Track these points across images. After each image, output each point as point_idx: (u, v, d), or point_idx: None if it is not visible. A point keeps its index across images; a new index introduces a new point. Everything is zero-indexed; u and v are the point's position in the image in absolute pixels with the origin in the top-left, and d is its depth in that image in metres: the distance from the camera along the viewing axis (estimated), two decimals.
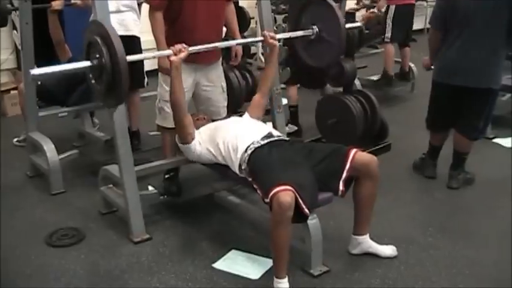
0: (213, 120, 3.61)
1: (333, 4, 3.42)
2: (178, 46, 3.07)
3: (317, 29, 3.45)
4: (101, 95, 2.85)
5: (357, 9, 8.14)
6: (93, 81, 2.82)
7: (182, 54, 3.07)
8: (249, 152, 3.00)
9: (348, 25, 3.56)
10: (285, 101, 4.49)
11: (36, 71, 2.70)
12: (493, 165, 4.55)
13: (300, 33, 3.49)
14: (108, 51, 2.64)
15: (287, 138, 3.26)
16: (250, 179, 2.97)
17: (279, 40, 3.81)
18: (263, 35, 3.43)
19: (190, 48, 3.13)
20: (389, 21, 6.28)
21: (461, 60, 3.87)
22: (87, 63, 2.75)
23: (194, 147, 3.28)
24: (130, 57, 2.79)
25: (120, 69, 2.62)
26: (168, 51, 3.10)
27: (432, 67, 4.22)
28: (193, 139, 3.25)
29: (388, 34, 6.30)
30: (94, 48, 2.71)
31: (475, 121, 4.02)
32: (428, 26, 4.52)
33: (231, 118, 3.55)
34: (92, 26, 2.86)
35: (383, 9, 6.49)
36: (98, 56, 2.68)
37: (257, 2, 3.88)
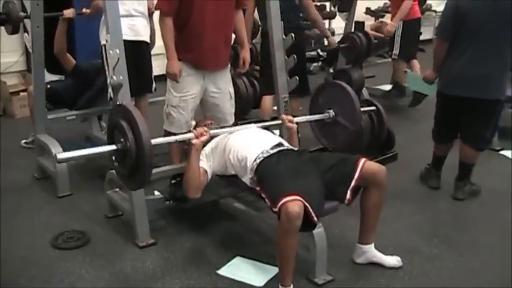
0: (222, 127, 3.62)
1: (349, 89, 3.45)
2: (200, 130, 3.07)
3: (333, 113, 3.48)
4: (123, 178, 2.83)
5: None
6: (116, 164, 2.78)
7: (204, 138, 3.06)
8: (257, 161, 3.00)
9: (363, 109, 3.61)
10: None
11: (62, 155, 2.65)
12: (500, 177, 4.54)
13: (316, 117, 3.53)
14: (133, 136, 2.60)
15: (296, 148, 3.26)
16: (258, 188, 2.97)
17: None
18: (281, 119, 3.43)
19: (212, 132, 3.15)
20: (397, 38, 6.20)
21: (471, 71, 3.87)
22: (112, 147, 2.71)
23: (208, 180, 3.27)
24: (155, 141, 2.76)
25: (144, 154, 2.56)
26: (190, 135, 3.08)
27: (436, 80, 4.22)
28: (207, 179, 3.24)
29: (396, 51, 6.25)
30: (119, 131, 2.67)
31: (482, 131, 4.02)
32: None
33: (242, 127, 3.54)
34: (117, 109, 2.85)
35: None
36: (122, 140, 2.65)
37: (266, 9, 3.89)
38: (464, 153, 4.13)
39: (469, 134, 4.07)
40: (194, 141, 3.05)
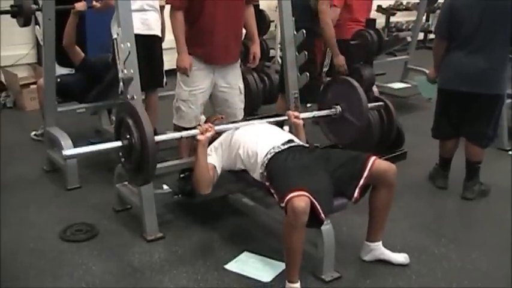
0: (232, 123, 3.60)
1: (356, 85, 3.45)
2: (205, 126, 3.09)
3: (340, 109, 3.48)
4: (129, 173, 2.90)
5: None
6: (123, 160, 2.87)
7: (209, 134, 3.06)
8: (268, 156, 3.00)
9: (371, 105, 3.61)
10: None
11: (69, 151, 2.76)
12: (509, 177, 4.51)
13: (323, 112, 3.54)
14: (138, 133, 2.68)
15: (306, 145, 3.26)
16: (267, 184, 2.97)
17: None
18: (287, 115, 3.42)
19: (217, 128, 3.15)
20: None
21: (469, 66, 3.91)
22: (118, 144, 2.80)
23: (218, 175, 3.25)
24: (159, 138, 2.87)
25: (148, 151, 2.65)
26: (195, 131, 3.09)
27: (437, 78, 4.26)
28: (216, 175, 3.21)
29: None
30: (125, 128, 2.76)
31: (484, 128, 4.03)
32: None
33: (250, 122, 3.53)
34: (123, 106, 2.92)
35: None
36: (128, 136, 2.73)
37: (278, 5, 3.88)
38: (468, 151, 4.14)
39: (471, 131, 4.08)
40: (199, 137, 3.05)
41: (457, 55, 3.97)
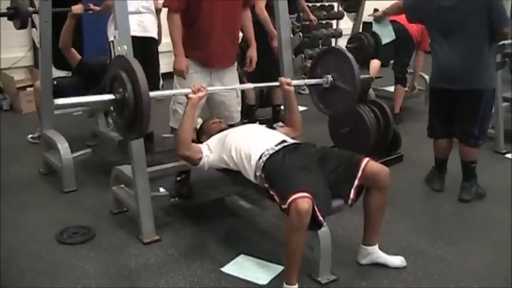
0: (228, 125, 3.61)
1: (349, 55, 3.44)
2: (197, 86, 3.10)
3: (331, 78, 3.47)
4: (121, 129, 2.85)
5: None
6: (114, 114, 2.81)
7: (201, 94, 3.09)
8: (264, 158, 2.99)
9: (362, 76, 3.58)
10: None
11: (60, 100, 2.67)
12: (505, 180, 4.52)
13: (314, 81, 3.51)
14: (132, 86, 2.62)
15: (300, 142, 3.26)
16: (266, 185, 2.96)
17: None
18: (279, 81, 3.44)
19: (209, 88, 3.20)
20: None
21: (447, 64, 3.96)
22: (110, 96, 2.73)
23: (205, 163, 3.23)
24: (153, 94, 2.80)
25: (142, 104, 2.59)
26: (188, 90, 3.11)
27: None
28: (201, 159, 3.21)
29: None
30: (118, 82, 2.69)
31: (468, 126, 4.04)
32: None
33: (243, 125, 3.54)
34: (117, 60, 2.88)
35: None
36: (121, 90, 2.67)
37: (274, 6, 3.89)
38: (460, 151, 4.16)
39: (459, 130, 4.11)
40: (191, 95, 3.08)
41: (440, 53, 4.02)
